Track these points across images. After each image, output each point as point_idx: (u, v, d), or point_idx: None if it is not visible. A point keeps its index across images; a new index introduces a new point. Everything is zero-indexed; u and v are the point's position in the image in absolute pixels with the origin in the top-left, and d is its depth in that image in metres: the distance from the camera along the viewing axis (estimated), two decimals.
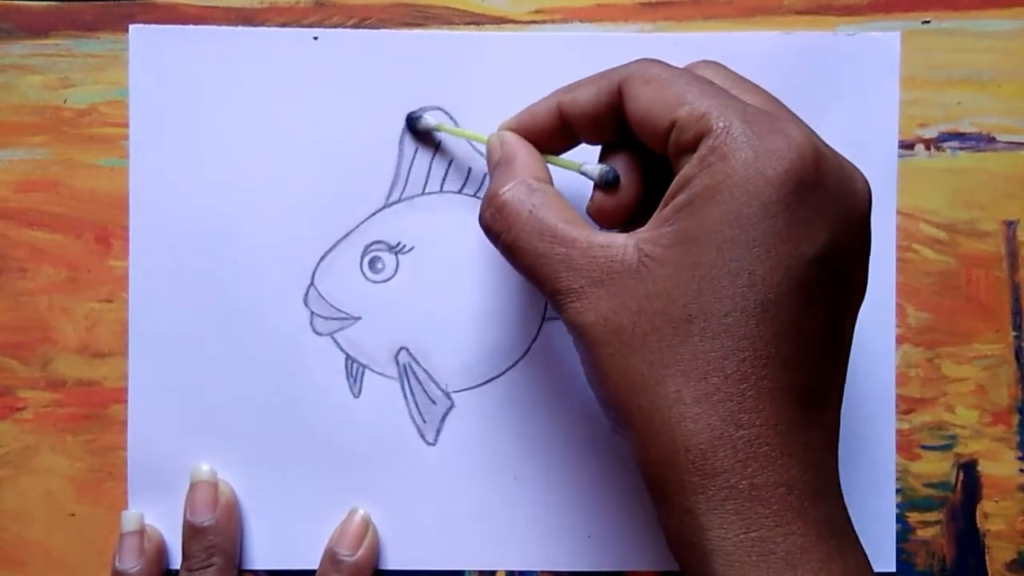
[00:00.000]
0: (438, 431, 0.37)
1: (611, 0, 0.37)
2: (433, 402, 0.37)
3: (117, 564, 0.35)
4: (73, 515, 0.37)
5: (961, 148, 0.37)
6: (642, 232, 0.27)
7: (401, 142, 0.37)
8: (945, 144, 0.37)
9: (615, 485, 0.37)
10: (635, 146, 0.30)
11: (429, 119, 0.35)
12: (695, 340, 0.26)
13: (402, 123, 0.36)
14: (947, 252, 0.37)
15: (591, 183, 0.31)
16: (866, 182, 0.28)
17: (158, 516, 0.36)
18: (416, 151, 0.37)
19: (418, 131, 0.36)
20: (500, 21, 0.37)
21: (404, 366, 0.37)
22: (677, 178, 0.27)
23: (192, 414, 0.37)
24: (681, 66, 0.30)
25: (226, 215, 0.37)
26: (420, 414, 0.37)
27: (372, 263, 0.37)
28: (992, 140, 0.37)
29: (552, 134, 0.31)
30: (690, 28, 0.37)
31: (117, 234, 0.37)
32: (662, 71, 0.28)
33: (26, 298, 0.37)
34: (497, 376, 0.37)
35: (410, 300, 0.37)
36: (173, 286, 0.37)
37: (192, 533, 0.35)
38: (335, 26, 0.37)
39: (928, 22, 0.37)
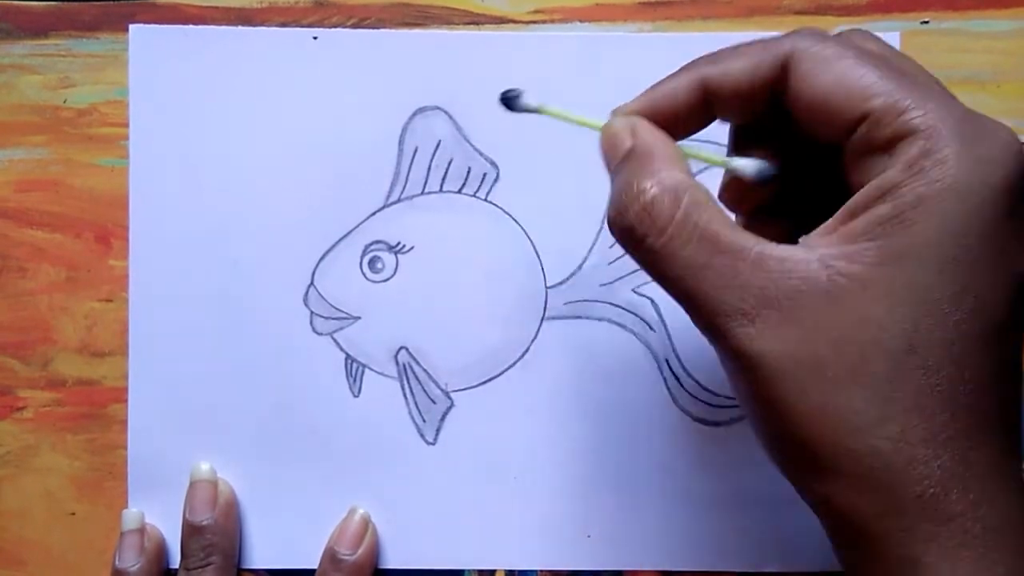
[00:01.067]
0: (438, 430, 0.37)
1: (610, 0, 0.37)
2: (433, 401, 0.37)
3: (117, 562, 0.35)
4: (73, 514, 0.37)
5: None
6: (826, 247, 0.23)
7: (400, 142, 0.37)
8: None
9: (615, 484, 0.37)
10: (770, 127, 0.27)
11: (530, 99, 0.30)
12: (918, 374, 0.22)
13: (402, 122, 0.37)
14: None
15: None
16: None
17: (158, 515, 0.36)
18: (416, 150, 0.37)
19: (516, 110, 0.31)
20: (500, 21, 0.37)
21: (404, 365, 0.37)
22: (873, 185, 0.23)
23: (192, 413, 0.37)
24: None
25: (226, 215, 0.37)
26: (420, 413, 0.37)
27: (372, 263, 0.37)
28: None
29: (688, 115, 0.27)
30: (690, 28, 0.37)
31: (117, 234, 0.37)
32: (839, 48, 0.24)
33: (26, 298, 0.37)
34: (497, 376, 0.37)
35: (410, 300, 0.37)
36: (173, 286, 0.37)
37: (191, 532, 0.35)
38: (334, 26, 0.37)
39: (927, 22, 0.37)
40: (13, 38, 0.37)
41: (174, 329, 0.37)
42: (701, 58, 0.27)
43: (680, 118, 0.27)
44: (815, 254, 0.23)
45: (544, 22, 0.37)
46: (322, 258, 0.37)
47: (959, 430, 0.22)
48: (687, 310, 0.25)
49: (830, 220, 0.24)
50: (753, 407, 0.25)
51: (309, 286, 0.37)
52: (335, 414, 0.37)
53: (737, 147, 0.28)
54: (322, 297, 0.37)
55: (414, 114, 0.37)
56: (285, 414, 0.37)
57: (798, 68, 0.25)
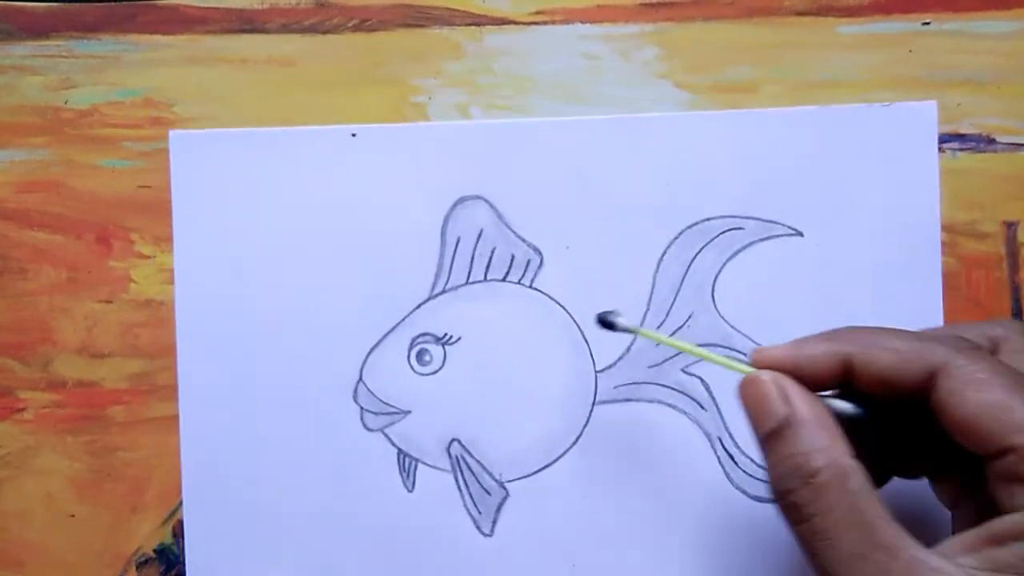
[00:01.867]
0: (494, 522, 0.36)
1: (612, 1, 0.37)
2: (488, 493, 0.36)
3: None
4: (73, 516, 0.37)
5: (961, 149, 0.37)
6: (971, 568, 0.24)
7: (443, 233, 0.37)
8: (945, 145, 0.37)
9: (676, 567, 0.36)
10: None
11: (624, 320, 0.32)
12: None
13: (443, 213, 0.37)
14: (948, 253, 0.37)
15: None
16: None
17: None
18: (459, 240, 0.37)
19: (614, 330, 0.33)
20: (501, 22, 0.37)
21: (457, 458, 0.37)
22: (1019, 517, 0.24)
23: (246, 515, 0.36)
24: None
25: (272, 315, 0.37)
26: (475, 505, 0.36)
27: (420, 356, 0.37)
28: (992, 141, 0.37)
29: (824, 382, 0.28)
30: (691, 28, 0.37)
31: (118, 235, 0.37)
32: (991, 373, 0.25)
33: (27, 299, 0.37)
34: (551, 463, 0.37)
35: (459, 391, 0.37)
36: (221, 389, 0.36)
37: None
38: (336, 27, 0.37)
39: (928, 23, 0.37)
40: (14, 39, 0.37)
41: (224, 432, 0.37)
42: (849, 331, 0.28)
43: (816, 383, 0.28)
44: (963, 573, 0.24)
45: (545, 23, 0.37)
46: (370, 353, 0.37)
47: None
48: None
49: (974, 535, 0.24)
50: None
51: (358, 382, 0.37)
52: (390, 510, 0.36)
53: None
54: (371, 393, 0.37)
55: (455, 204, 0.37)
56: (340, 513, 0.36)
57: (946, 383, 0.25)
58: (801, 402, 0.27)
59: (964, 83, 0.37)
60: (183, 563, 0.37)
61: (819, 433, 0.26)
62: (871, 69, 0.37)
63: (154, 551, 0.37)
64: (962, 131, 0.37)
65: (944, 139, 0.37)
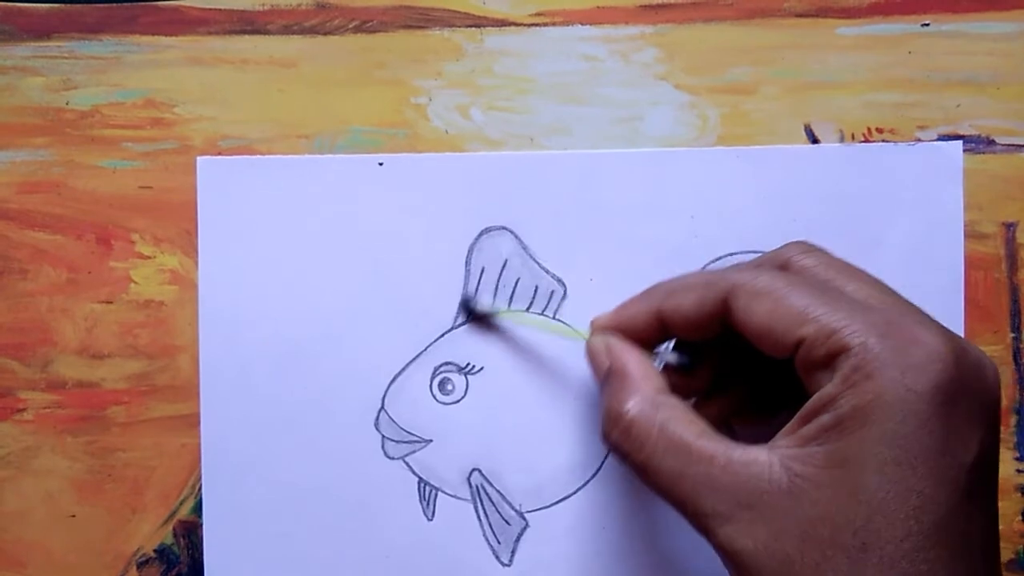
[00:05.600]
0: (513, 552, 0.37)
1: (612, 2, 0.37)
2: (507, 523, 0.37)
3: None
4: (73, 516, 0.37)
5: (960, 151, 0.37)
6: (785, 448, 0.26)
7: (467, 263, 0.37)
8: None
9: None
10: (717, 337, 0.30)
11: (487, 306, 0.35)
12: (872, 569, 0.24)
13: (468, 243, 0.37)
14: None
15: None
16: (992, 364, 0.27)
17: None
18: (483, 271, 0.37)
19: (473, 317, 0.36)
20: (501, 24, 0.37)
21: (477, 487, 0.37)
22: (817, 396, 0.26)
23: (266, 542, 0.37)
24: (767, 250, 0.31)
25: (295, 343, 0.37)
26: (495, 535, 0.37)
27: (442, 385, 0.37)
28: (991, 142, 0.37)
29: (648, 335, 0.31)
30: (690, 30, 0.37)
31: (118, 235, 0.37)
32: (770, 281, 0.28)
33: (27, 299, 0.37)
34: (571, 494, 0.37)
35: (481, 421, 0.37)
36: (243, 414, 0.37)
37: None
38: (337, 28, 0.37)
39: (927, 25, 0.37)
40: (16, 40, 0.37)
41: (245, 457, 0.37)
42: (657, 286, 0.31)
43: (639, 337, 0.32)
44: (776, 456, 0.26)
45: (545, 24, 0.37)
46: (392, 382, 0.37)
47: None
48: (678, 512, 0.28)
49: (790, 423, 0.27)
50: None
51: (380, 410, 0.37)
52: (409, 539, 0.37)
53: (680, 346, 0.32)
54: (393, 421, 0.37)
55: (480, 234, 0.37)
56: (360, 540, 0.36)
57: (736, 303, 0.28)
58: (618, 354, 0.31)
59: (963, 84, 0.37)
60: (184, 563, 0.37)
61: (629, 377, 0.30)
62: (870, 70, 0.37)
63: (155, 551, 0.37)
64: (961, 132, 0.37)
65: (943, 140, 0.37)
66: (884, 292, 0.28)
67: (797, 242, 0.30)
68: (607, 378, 0.31)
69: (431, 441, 0.37)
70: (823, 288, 0.28)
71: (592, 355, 0.32)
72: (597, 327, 0.33)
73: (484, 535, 0.37)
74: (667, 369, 0.31)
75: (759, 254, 0.36)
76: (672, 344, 0.32)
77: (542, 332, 0.36)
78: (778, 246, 0.31)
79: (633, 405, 0.29)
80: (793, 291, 0.27)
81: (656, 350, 0.32)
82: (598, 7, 0.37)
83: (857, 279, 0.29)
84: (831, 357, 0.26)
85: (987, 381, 0.26)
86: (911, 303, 0.28)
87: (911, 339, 0.25)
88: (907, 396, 0.25)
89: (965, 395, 0.25)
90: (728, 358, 0.32)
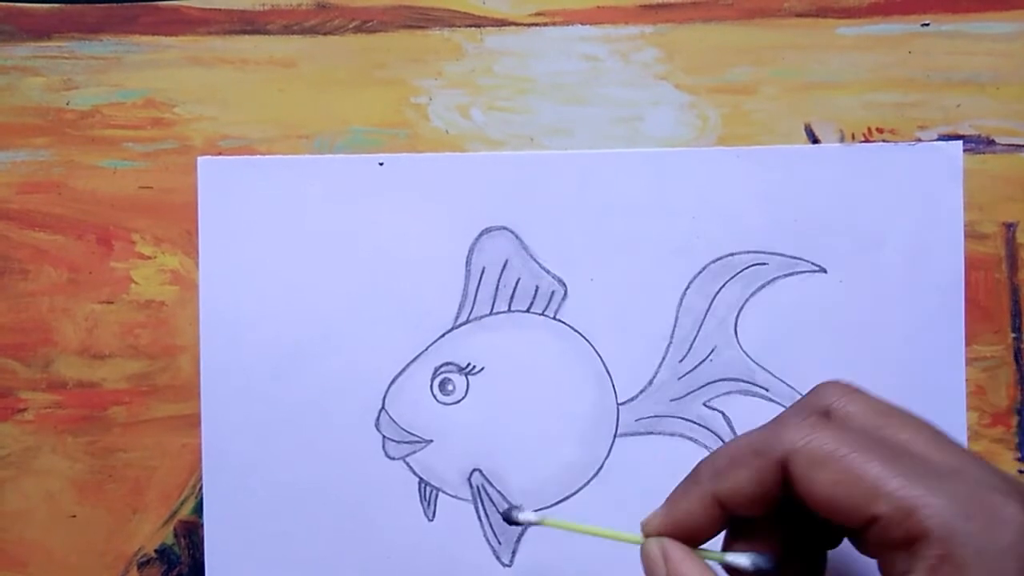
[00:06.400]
0: (513, 552, 0.37)
1: (612, 2, 0.37)
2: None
3: None
4: (74, 516, 0.37)
5: (960, 151, 0.37)
6: None
7: (468, 263, 0.37)
8: None
9: None
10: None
11: (530, 515, 0.32)
12: None
13: (469, 243, 0.37)
14: None
15: None
16: None
17: None
18: (483, 271, 0.37)
19: (515, 523, 0.33)
20: (501, 23, 0.37)
21: (477, 487, 0.37)
22: None
23: (266, 541, 0.37)
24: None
25: (296, 343, 0.37)
26: (495, 536, 0.37)
27: (442, 385, 0.37)
28: (991, 142, 0.37)
29: (709, 527, 0.28)
30: (691, 30, 0.37)
31: (119, 235, 0.37)
32: (830, 443, 0.25)
33: (27, 299, 0.37)
34: (571, 495, 0.37)
35: (481, 421, 0.37)
36: (244, 414, 0.37)
37: None
38: (337, 28, 0.37)
39: (927, 25, 0.37)
40: (16, 40, 0.37)
41: (246, 458, 0.37)
42: (703, 469, 0.28)
43: (697, 532, 0.28)
44: None
45: (545, 24, 0.37)
46: (392, 382, 0.37)
47: None
48: None
49: None
50: None
51: (380, 411, 0.37)
52: (410, 539, 0.37)
53: (733, 535, 0.29)
54: (394, 421, 0.37)
55: (480, 235, 0.37)
56: (360, 540, 0.37)
57: (797, 472, 0.25)
58: (677, 566, 0.28)
59: (963, 84, 0.37)
60: (184, 563, 0.37)
61: None
62: (870, 70, 0.37)
63: (155, 551, 0.37)
64: (961, 132, 0.37)
65: (943, 140, 0.37)
66: (943, 443, 0.26)
67: (834, 383, 0.28)
68: None
69: (432, 441, 0.37)
70: (887, 448, 0.25)
71: (649, 565, 0.29)
72: (650, 528, 0.29)
73: (485, 535, 0.37)
74: (731, 571, 0.29)
75: (759, 254, 0.36)
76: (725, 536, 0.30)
77: (589, 535, 0.34)
78: (812, 389, 0.28)
79: None
80: (858, 456, 0.25)
81: (725, 556, 0.29)
82: (598, 7, 0.37)
83: (909, 427, 0.26)
84: (911, 540, 0.24)
85: None
86: (972, 454, 0.26)
87: (995, 516, 0.24)
88: None
89: None
90: (789, 532, 0.28)
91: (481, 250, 0.37)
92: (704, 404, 0.37)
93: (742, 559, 0.27)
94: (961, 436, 0.36)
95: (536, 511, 0.36)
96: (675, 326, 0.37)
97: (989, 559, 0.23)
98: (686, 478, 0.29)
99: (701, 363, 0.37)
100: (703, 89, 0.37)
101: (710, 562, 0.28)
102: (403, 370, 0.37)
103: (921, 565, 0.23)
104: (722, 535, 0.28)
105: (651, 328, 0.37)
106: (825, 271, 0.37)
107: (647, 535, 0.29)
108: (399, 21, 0.37)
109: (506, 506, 0.35)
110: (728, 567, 0.28)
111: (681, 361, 0.37)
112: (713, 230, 0.37)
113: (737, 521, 0.28)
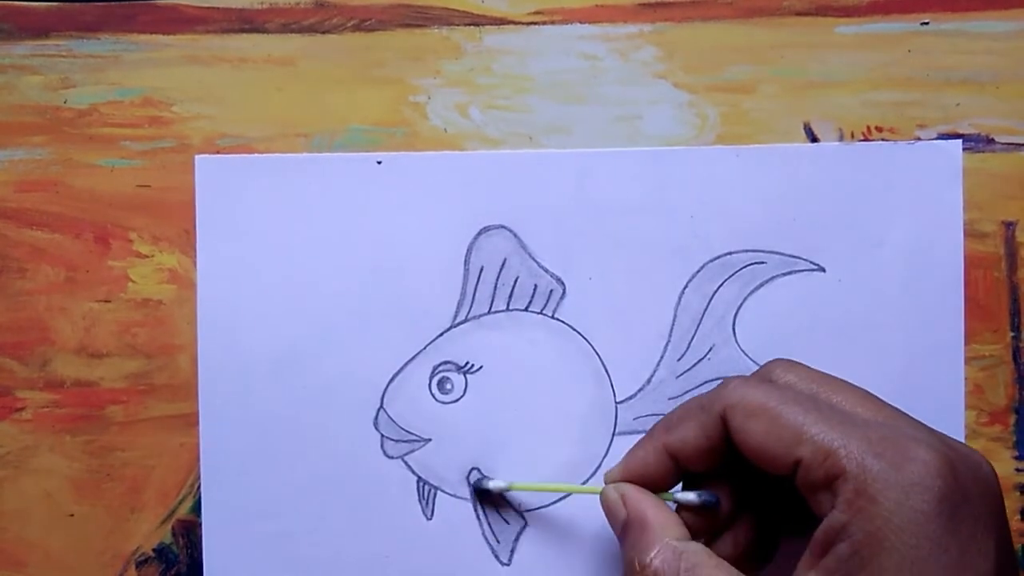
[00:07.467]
0: (512, 551, 0.37)
1: (610, 1, 0.37)
2: (506, 522, 0.37)
3: None
4: (72, 515, 0.37)
5: (960, 149, 0.37)
6: None
7: (466, 262, 0.37)
8: None
9: None
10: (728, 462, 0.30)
11: (499, 482, 0.35)
12: None
13: (467, 242, 0.37)
14: None
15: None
16: (986, 461, 0.27)
17: None
18: (482, 270, 0.37)
19: (484, 492, 0.36)
20: (500, 22, 0.37)
21: (475, 486, 0.37)
22: (826, 524, 0.26)
23: (265, 540, 0.36)
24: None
25: (294, 341, 0.37)
26: (494, 534, 0.37)
27: (441, 384, 0.37)
28: (991, 141, 0.37)
29: (662, 476, 0.31)
30: (690, 28, 0.37)
31: (116, 234, 0.37)
32: (762, 397, 0.28)
33: (25, 298, 0.37)
34: (570, 493, 0.37)
35: (480, 420, 0.37)
36: (242, 413, 0.37)
37: None
38: (335, 27, 0.37)
39: (927, 23, 0.37)
40: (14, 38, 0.37)
41: (244, 457, 0.36)
42: (658, 425, 0.31)
43: (654, 480, 0.31)
44: None
45: (544, 23, 0.37)
46: (391, 381, 0.37)
47: None
48: None
49: (807, 553, 0.27)
50: None
51: (379, 409, 0.37)
52: (408, 538, 0.36)
53: (687, 481, 0.32)
54: (392, 420, 0.37)
55: (479, 233, 0.37)
56: (359, 539, 0.36)
57: (733, 423, 0.28)
58: (634, 503, 0.30)
59: (963, 83, 0.37)
60: (182, 562, 0.37)
61: (648, 527, 0.29)
62: (870, 69, 0.37)
63: (153, 550, 0.37)
64: (961, 131, 0.37)
65: (943, 139, 0.37)
66: (870, 402, 0.29)
67: (780, 359, 0.31)
68: (626, 529, 0.30)
69: (430, 440, 0.37)
70: (814, 402, 0.28)
71: (608, 507, 0.32)
72: (610, 478, 0.32)
73: (483, 534, 0.37)
74: (683, 511, 0.31)
75: (758, 253, 0.36)
76: (681, 485, 0.32)
77: (553, 492, 0.36)
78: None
79: (655, 555, 0.29)
80: (785, 407, 0.28)
81: (674, 495, 0.31)
82: (597, 5, 0.37)
83: (843, 390, 0.29)
84: (830, 479, 0.26)
85: (987, 481, 0.26)
86: (899, 411, 0.28)
87: (906, 455, 0.26)
88: (915, 518, 0.25)
89: (969, 502, 0.25)
90: (738, 487, 0.31)
91: (479, 249, 0.37)
92: None
93: (690, 495, 0.30)
94: (959, 434, 0.36)
95: (535, 509, 0.36)
96: (673, 325, 0.37)
97: (898, 491, 0.25)
98: (643, 436, 0.32)
99: (699, 362, 0.37)
100: (702, 88, 0.37)
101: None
102: (401, 369, 0.37)
103: (840, 500, 0.26)
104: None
105: (649, 327, 0.37)
106: (824, 270, 0.37)
107: (606, 481, 0.32)
108: (398, 20, 0.37)
109: (477, 477, 0.36)
110: (680, 507, 0.31)
111: (679, 360, 0.37)
112: (712, 229, 0.37)
113: (690, 477, 0.31)
